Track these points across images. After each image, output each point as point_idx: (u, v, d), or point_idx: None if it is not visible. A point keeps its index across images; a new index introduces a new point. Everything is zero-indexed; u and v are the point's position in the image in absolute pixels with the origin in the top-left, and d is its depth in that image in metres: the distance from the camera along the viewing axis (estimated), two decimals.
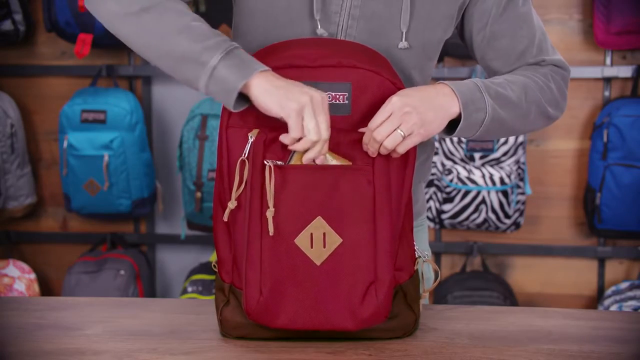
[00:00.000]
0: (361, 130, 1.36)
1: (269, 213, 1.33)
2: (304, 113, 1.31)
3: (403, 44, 1.47)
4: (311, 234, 1.34)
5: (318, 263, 1.34)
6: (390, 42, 1.47)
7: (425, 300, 1.57)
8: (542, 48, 1.56)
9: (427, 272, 1.62)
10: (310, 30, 1.46)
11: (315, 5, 1.45)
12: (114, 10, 1.40)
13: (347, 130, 1.37)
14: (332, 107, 1.36)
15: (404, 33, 1.47)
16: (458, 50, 3.10)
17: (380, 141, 1.34)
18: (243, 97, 1.35)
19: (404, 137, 1.35)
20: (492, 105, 1.43)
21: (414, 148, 1.39)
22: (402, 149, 1.36)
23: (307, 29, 1.46)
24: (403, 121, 1.34)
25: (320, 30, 1.45)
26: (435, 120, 1.39)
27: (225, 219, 1.38)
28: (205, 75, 1.34)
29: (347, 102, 1.36)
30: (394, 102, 1.35)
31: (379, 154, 1.36)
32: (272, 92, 1.32)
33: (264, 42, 1.47)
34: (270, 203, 1.33)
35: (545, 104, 1.52)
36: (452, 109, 1.40)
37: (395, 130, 1.34)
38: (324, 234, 1.34)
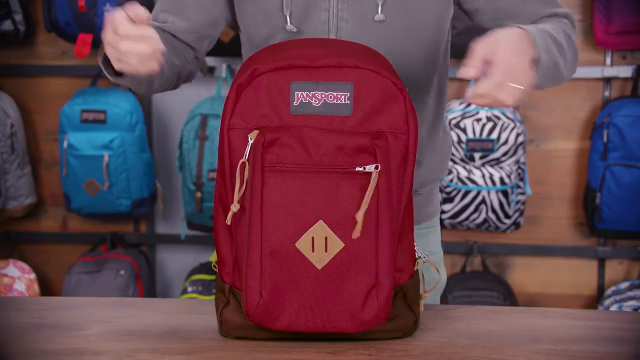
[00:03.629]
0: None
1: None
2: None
3: (379, 16, 1.47)
4: (312, 238, 1.33)
5: (319, 267, 1.33)
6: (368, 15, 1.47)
7: (427, 300, 1.56)
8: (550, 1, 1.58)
9: (434, 273, 1.62)
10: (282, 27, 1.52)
11: (284, 1, 1.50)
12: None
13: (348, 131, 1.35)
14: (334, 107, 1.35)
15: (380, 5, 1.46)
16: (458, 50, 3.09)
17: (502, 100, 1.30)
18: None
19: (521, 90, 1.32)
20: (550, 50, 1.42)
21: (414, 148, 1.38)
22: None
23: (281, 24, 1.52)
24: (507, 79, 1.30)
25: (290, 27, 1.51)
26: (526, 68, 1.34)
27: (228, 222, 1.37)
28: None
29: (348, 102, 1.35)
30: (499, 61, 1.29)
31: (380, 156, 1.34)
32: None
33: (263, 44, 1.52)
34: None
35: (575, 54, 1.53)
36: (531, 53, 1.37)
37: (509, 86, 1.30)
38: (326, 238, 1.33)
